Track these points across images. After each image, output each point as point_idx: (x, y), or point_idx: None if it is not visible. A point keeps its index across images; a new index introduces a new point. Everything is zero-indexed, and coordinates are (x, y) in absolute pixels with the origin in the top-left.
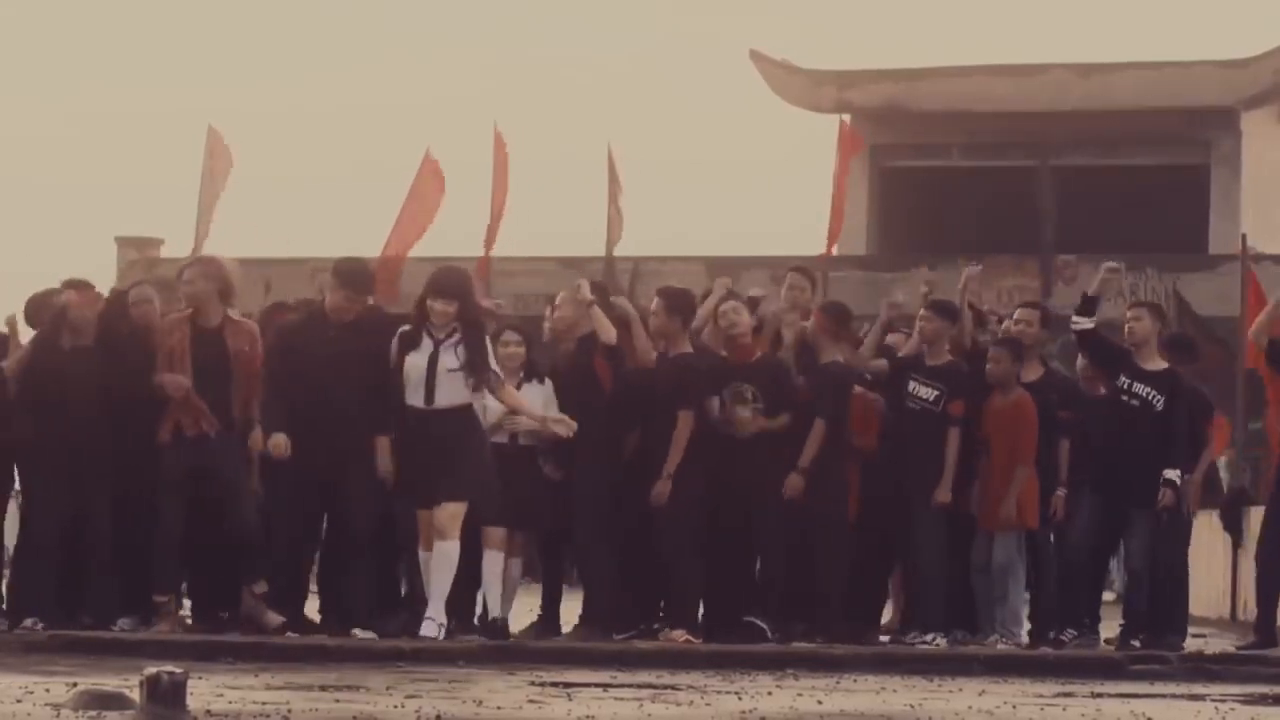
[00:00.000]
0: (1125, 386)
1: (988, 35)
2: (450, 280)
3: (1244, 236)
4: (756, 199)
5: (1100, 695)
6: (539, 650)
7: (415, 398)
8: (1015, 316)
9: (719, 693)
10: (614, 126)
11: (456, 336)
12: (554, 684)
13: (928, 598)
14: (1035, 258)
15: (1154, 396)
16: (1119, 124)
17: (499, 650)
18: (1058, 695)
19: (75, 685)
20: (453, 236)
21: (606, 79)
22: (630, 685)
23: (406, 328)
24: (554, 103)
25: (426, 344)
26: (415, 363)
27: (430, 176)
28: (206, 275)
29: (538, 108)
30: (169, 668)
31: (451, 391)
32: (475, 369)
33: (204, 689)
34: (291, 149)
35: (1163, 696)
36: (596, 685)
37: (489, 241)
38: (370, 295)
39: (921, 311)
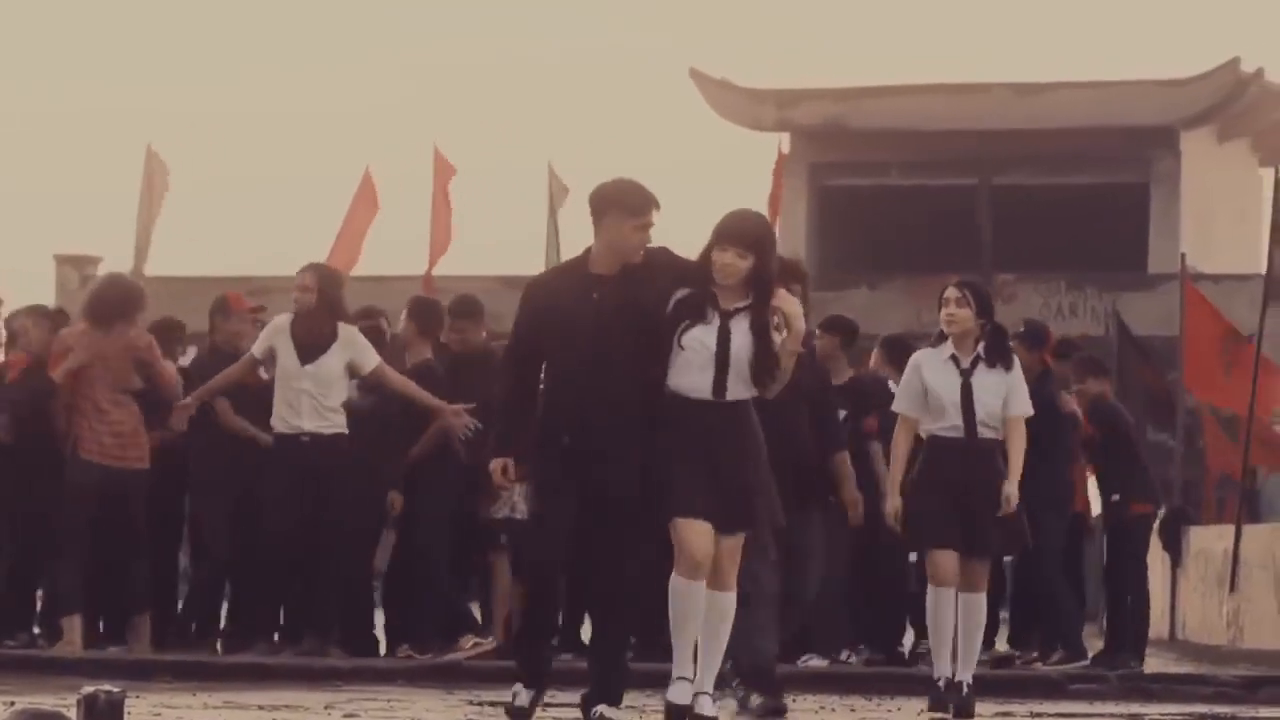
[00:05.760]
0: None
1: (927, 55)
2: (747, 226)
3: (1183, 256)
4: (697, 217)
5: (1039, 715)
6: (479, 670)
7: (694, 385)
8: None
9: (657, 712)
10: (553, 143)
11: (748, 305)
12: (492, 704)
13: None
14: (975, 276)
15: None
16: (1058, 143)
17: (438, 670)
18: (996, 715)
19: (12, 704)
20: (393, 253)
21: (546, 94)
22: (569, 704)
23: (685, 292)
24: (493, 118)
25: (713, 315)
26: (700, 339)
27: (367, 195)
28: None
29: (476, 123)
30: (106, 687)
31: (742, 382)
32: (758, 360)
33: (142, 708)
34: (232, 162)
35: (1101, 716)
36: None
37: (432, 261)
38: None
39: (816, 331)
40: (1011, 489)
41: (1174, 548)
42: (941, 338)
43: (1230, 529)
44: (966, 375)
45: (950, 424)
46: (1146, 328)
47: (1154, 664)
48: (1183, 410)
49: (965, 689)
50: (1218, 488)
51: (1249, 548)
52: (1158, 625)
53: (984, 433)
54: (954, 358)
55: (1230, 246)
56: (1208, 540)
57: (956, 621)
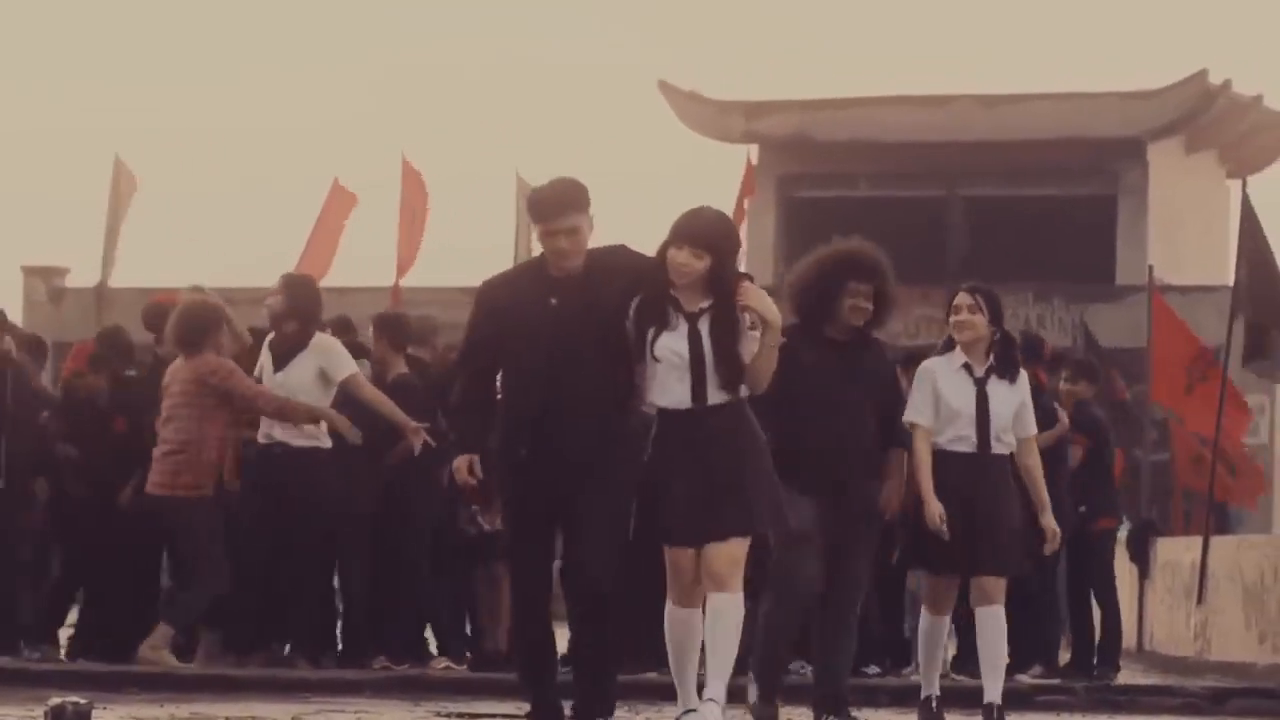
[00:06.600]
0: None
1: (895, 66)
2: (704, 225)
3: (1151, 268)
4: (664, 228)
5: None
6: (447, 681)
7: (670, 395)
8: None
9: None
10: (521, 152)
11: (710, 306)
12: (459, 715)
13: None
14: (942, 288)
15: None
16: (1026, 154)
17: (405, 681)
18: None
19: None
20: (360, 263)
21: (514, 104)
22: None
23: (642, 298)
24: (460, 127)
25: (678, 320)
26: (671, 346)
27: (339, 204)
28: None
29: (443, 131)
30: (74, 698)
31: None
32: (724, 359)
33: (109, 719)
34: (199, 173)
35: None
36: (502, 716)
37: (400, 272)
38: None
39: None
40: (1050, 521)
41: (1141, 559)
42: (948, 345)
43: (1198, 540)
44: (981, 385)
45: (959, 435)
46: (1114, 339)
47: (1121, 675)
48: (1149, 422)
49: (996, 711)
50: (1185, 499)
51: (1216, 559)
52: (1125, 637)
53: (995, 447)
54: (967, 366)
55: (1198, 258)
56: (1175, 552)
57: (956, 640)
